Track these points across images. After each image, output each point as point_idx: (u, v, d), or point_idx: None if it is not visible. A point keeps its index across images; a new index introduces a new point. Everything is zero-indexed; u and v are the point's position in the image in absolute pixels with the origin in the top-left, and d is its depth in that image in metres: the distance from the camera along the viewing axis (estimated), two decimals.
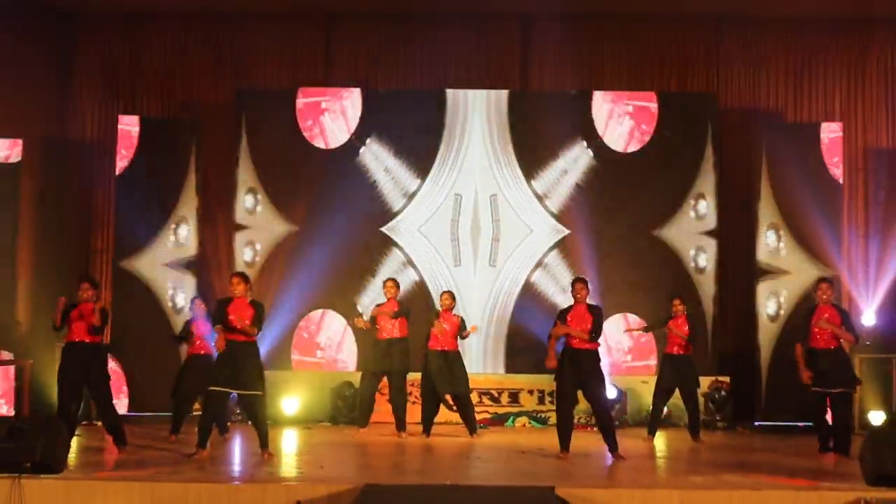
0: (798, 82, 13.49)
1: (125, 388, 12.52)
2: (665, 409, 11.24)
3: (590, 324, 9.25)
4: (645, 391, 12.51)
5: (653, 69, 13.51)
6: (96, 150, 13.46)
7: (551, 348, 9.42)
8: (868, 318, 12.74)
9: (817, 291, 9.76)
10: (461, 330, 11.08)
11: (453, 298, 11.19)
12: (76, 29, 13.58)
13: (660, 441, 11.08)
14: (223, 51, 13.57)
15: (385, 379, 11.20)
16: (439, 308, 11.23)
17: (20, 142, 12.08)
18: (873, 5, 12.96)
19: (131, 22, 13.48)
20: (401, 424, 11.02)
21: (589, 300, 9.45)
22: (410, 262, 13.07)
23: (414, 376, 11.31)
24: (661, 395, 11.00)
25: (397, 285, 11.29)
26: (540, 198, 13.05)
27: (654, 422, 11.03)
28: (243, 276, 9.31)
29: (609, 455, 9.32)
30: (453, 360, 10.99)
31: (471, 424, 11.06)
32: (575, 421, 12.22)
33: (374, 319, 11.05)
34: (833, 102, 13.44)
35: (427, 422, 11.06)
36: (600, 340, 9.41)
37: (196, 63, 13.58)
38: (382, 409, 11.53)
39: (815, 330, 9.64)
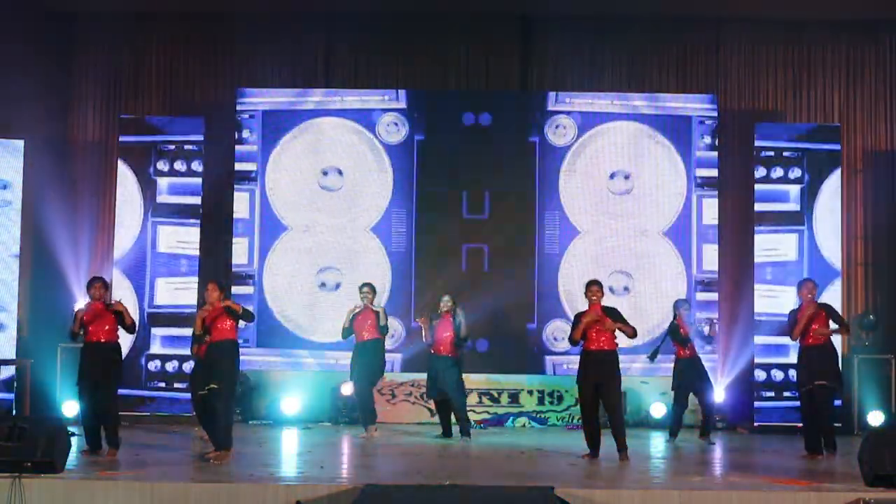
0: (797, 83, 13.49)
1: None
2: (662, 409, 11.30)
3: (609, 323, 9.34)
4: (644, 391, 12.53)
5: (653, 69, 13.51)
6: (96, 150, 13.45)
7: (580, 329, 9.37)
8: (866, 318, 12.74)
9: (802, 290, 9.88)
10: (457, 334, 11.05)
11: (454, 302, 11.18)
12: (76, 29, 13.57)
13: (660, 441, 11.10)
14: (224, 51, 13.56)
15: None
16: (442, 310, 11.13)
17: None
18: (873, 6, 12.96)
19: (131, 22, 13.47)
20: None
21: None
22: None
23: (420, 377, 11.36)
24: (679, 397, 11.03)
25: (374, 290, 11.21)
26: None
27: (675, 424, 11.06)
28: (219, 284, 9.23)
29: (613, 455, 9.32)
30: (447, 364, 10.97)
31: (462, 427, 11.02)
32: (576, 421, 12.38)
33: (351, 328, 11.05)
34: (832, 104, 13.45)
35: (443, 423, 11.15)
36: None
37: (196, 63, 13.58)
38: (384, 409, 11.61)
39: (804, 328, 9.71)
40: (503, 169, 12.94)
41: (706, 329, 11.74)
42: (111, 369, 9.31)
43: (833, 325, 9.76)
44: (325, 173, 12.99)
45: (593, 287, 9.47)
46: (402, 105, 12.99)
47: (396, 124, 13.01)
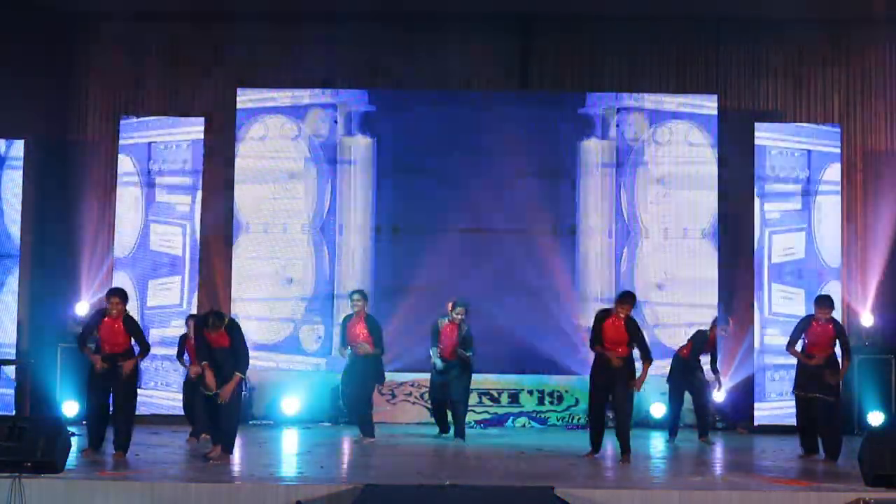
0: (797, 83, 13.50)
1: None
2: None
3: (626, 337, 9.27)
4: (644, 391, 12.44)
5: (653, 69, 13.52)
6: (96, 150, 13.45)
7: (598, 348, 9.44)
8: (866, 318, 12.74)
9: (817, 310, 9.71)
10: (463, 341, 10.89)
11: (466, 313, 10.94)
12: (77, 29, 13.58)
13: (660, 441, 11.11)
14: (223, 50, 13.56)
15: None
16: (453, 317, 10.83)
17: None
18: (873, 6, 12.96)
19: (131, 22, 13.47)
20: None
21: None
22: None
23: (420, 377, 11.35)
24: (675, 396, 11.06)
25: (365, 297, 10.89)
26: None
27: (673, 423, 11.09)
28: (219, 317, 8.81)
29: (613, 456, 9.33)
30: (456, 371, 10.88)
31: (458, 429, 10.96)
32: (576, 421, 12.40)
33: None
34: (832, 103, 13.46)
35: (439, 419, 11.17)
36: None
37: (196, 63, 13.58)
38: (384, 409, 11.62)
39: (809, 341, 9.70)
40: (523, 165, 12.93)
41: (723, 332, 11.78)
42: (129, 372, 9.20)
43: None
44: (291, 176, 13.02)
45: (630, 302, 9.37)
46: (372, 104, 13.10)
47: (375, 122, 13.12)
